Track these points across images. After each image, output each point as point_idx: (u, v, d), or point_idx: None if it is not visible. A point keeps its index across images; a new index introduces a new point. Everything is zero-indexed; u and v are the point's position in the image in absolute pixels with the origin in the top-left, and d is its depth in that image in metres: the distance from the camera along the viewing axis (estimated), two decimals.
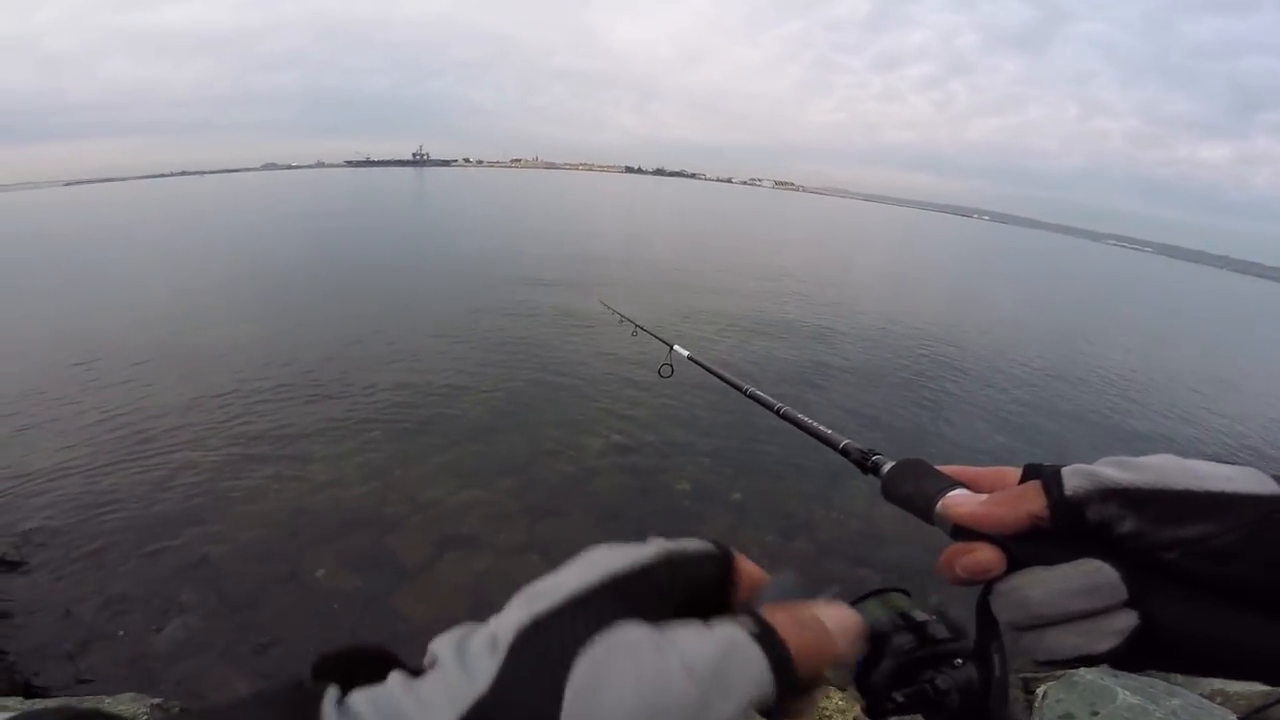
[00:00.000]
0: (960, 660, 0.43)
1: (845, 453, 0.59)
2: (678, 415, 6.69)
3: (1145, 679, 2.54)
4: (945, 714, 0.41)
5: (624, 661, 0.25)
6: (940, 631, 0.47)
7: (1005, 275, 30.12)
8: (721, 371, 1.20)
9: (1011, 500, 0.34)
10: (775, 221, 50.83)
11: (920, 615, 0.48)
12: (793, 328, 11.32)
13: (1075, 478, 0.32)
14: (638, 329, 2.24)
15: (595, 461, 5.56)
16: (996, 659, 0.39)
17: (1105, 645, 0.31)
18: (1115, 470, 0.32)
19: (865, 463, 0.54)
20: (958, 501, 0.37)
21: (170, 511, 4.58)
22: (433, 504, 4.76)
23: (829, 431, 0.66)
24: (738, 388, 1.07)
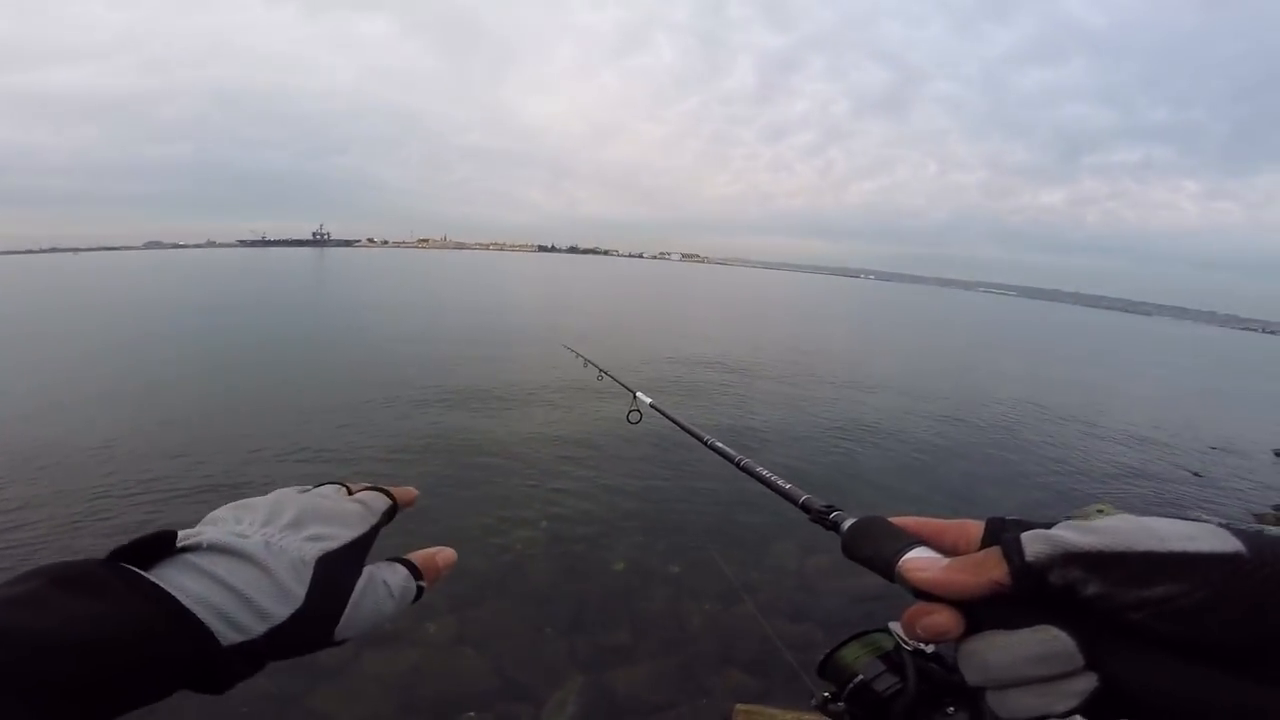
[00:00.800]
0: (952, 709, 0.43)
1: (805, 508, 0.58)
2: (608, 490, 6.64)
3: None
4: None
5: (371, 590, 0.45)
6: (925, 667, 0.46)
7: (896, 330, 32.55)
8: (683, 421, 1.20)
9: (973, 567, 0.35)
10: (688, 297, 52.84)
11: (902, 653, 0.48)
12: (709, 393, 11.65)
13: (1035, 543, 0.33)
14: (603, 374, 2.24)
15: (526, 546, 5.37)
16: (987, 706, 0.38)
17: (1063, 706, 0.32)
18: (1076, 534, 0.33)
19: (825, 519, 0.53)
20: (919, 565, 0.37)
21: None
22: None
23: (788, 486, 0.65)
24: (698, 438, 1.07)
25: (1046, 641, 0.32)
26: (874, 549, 0.41)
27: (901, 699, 0.45)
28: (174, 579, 0.35)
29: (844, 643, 0.51)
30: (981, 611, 0.34)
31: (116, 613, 0.31)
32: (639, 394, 1.71)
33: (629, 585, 4.85)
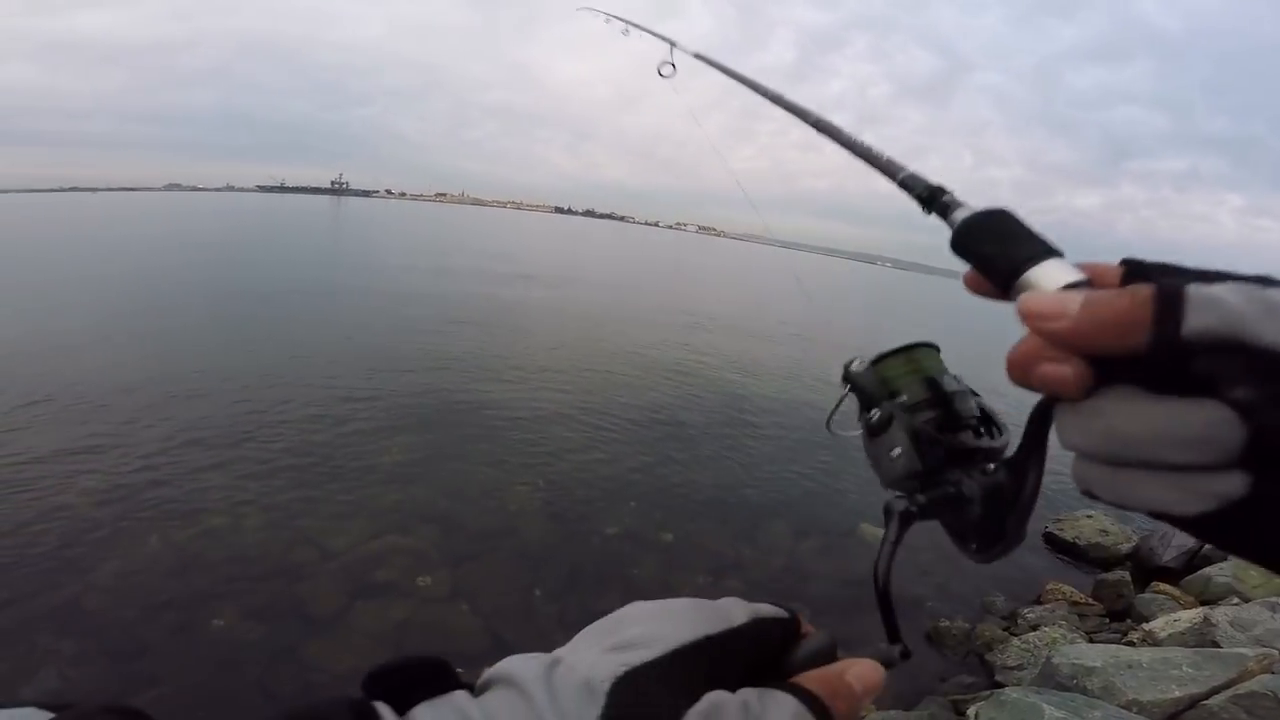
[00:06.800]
0: (993, 466, 0.37)
1: (906, 185, 0.47)
2: (605, 454, 6.67)
3: (1067, 694, 2.70)
4: (962, 521, 0.37)
5: None
6: (969, 409, 0.40)
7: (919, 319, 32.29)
8: (740, 72, 1.00)
9: (1115, 326, 0.25)
10: (712, 269, 52.47)
11: (950, 384, 0.41)
12: (708, 369, 11.62)
13: (1204, 315, 0.24)
14: (630, 26, 1.79)
15: (521, 504, 5.42)
16: (1032, 475, 0.33)
17: (1195, 509, 0.25)
18: (1261, 316, 0.23)
19: (931, 201, 0.42)
20: (1046, 309, 0.28)
21: (40, 560, 4.07)
22: (344, 551, 4.47)
23: (885, 157, 0.51)
24: (762, 91, 0.88)
25: (1214, 423, 0.23)
26: (1000, 247, 0.33)
27: (929, 433, 0.38)
28: None
29: (881, 358, 0.42)
30: (1108, 363, 0.26)
31: None
32: (679, 43, 1.39)
33: (621, 551, 4.90)
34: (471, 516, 5.12)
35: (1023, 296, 0.29)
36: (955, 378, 0.41)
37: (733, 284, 39.57)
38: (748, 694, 0.30)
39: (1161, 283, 0.25)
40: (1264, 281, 0.25)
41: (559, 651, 0.32)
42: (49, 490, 4.86)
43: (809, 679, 0.32)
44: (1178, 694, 2.81)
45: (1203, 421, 0.24)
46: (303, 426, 6.53)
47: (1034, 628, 4.23)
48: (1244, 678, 2.82)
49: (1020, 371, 0.29)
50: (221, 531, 4.55)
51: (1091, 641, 4.00)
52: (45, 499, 4.73)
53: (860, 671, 0.33)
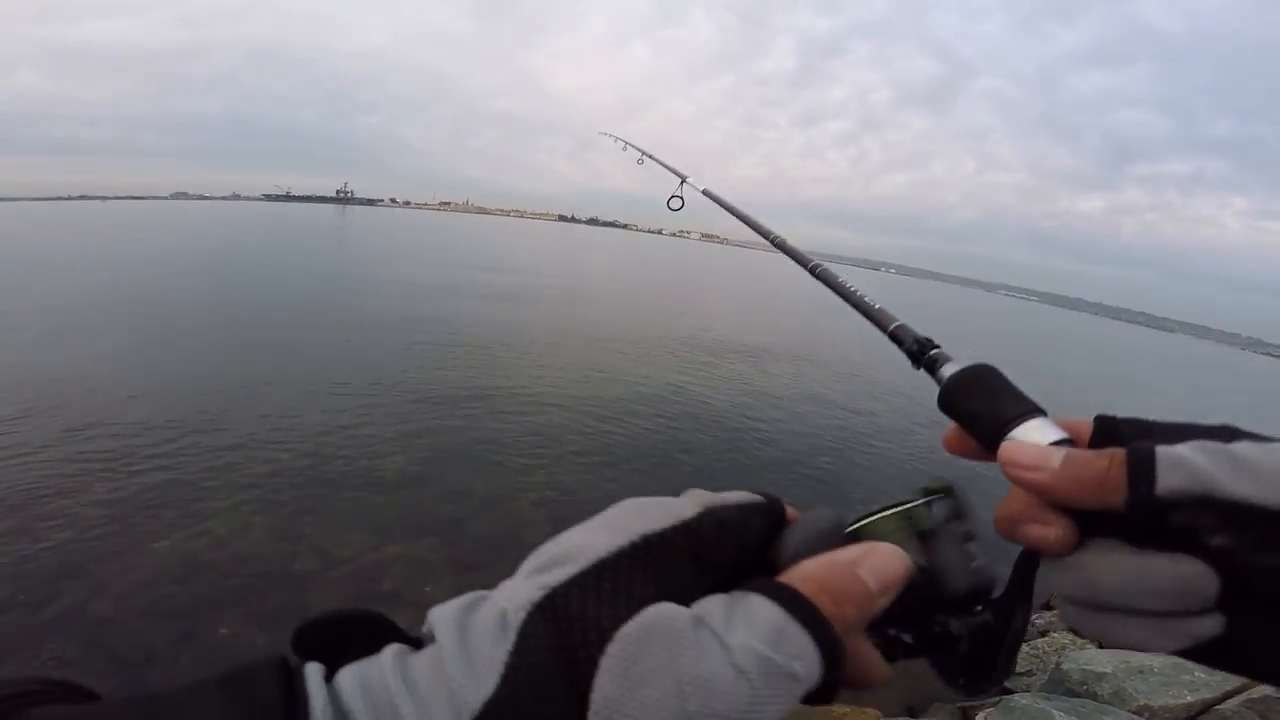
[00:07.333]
0: (980, 608, 0.38)
1: (896, 339, 0.48)
2: (608, 459, 6.66)
3: (1077, 700, 2.68)
4: (951, 658, 0.37)
5: (661, 659, 0.21)
6: (956, 557, 0.39)
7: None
8: (743, 211, 1.02)
9: (1093, 484, 0.28)
10: (714, 271, 52.40)
11: (943, 541, 0.40)
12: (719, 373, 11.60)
13: (1174, 476, 0.26)
14: (645, 156, 1.89)
15: (525, 511, 5.43)
16: (1019, 618, 0.34)
17: (1174, 646, 0.27)
18: (1226, 473, 0.25)
19: (920, 355, 0.43)
20: (1029, 460, 0.30)
21: (45, 565, 4.09)
22: (350, 559, 4.48)
23: (877, 307, 0.53)
24: (763, 233, 0.90)
25: (1189, 579, 0.26)
26: (987, 405, 0.34)
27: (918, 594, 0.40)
28: (339, 689, 0.24)
29: (879, 511, 0.41)
30: (1091, 516, 0.29)
31: None
32: (690, 179, 1.49)
33: None
34: (476, 524, 5.12)
35: (1004, 445, 0.32)
36: (949, 534, 0.41)
37: (734, 291, 39.58)
38: (709, 604, 0.24)
39: (1133, 446, 0.28)
40: (1226, 432, 0.28)
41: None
42: (57, 496, 4.88)
43: (801, 574, 0.26)
44: (1190, 699, 2.78)
45: (1180, 576, 0.26)
46: (308, 434, 6.54)
47: (1043, 634, 4.19)
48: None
49: (1008, 528, 0.31)
50: (227, 539, 4.56)
51: (1101, 647, 3.96)
52: (53, 504, 4.76)
53: (877, 561, 0.26)
